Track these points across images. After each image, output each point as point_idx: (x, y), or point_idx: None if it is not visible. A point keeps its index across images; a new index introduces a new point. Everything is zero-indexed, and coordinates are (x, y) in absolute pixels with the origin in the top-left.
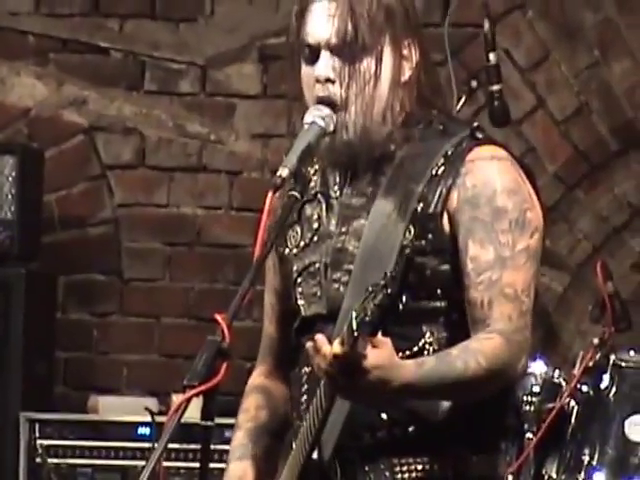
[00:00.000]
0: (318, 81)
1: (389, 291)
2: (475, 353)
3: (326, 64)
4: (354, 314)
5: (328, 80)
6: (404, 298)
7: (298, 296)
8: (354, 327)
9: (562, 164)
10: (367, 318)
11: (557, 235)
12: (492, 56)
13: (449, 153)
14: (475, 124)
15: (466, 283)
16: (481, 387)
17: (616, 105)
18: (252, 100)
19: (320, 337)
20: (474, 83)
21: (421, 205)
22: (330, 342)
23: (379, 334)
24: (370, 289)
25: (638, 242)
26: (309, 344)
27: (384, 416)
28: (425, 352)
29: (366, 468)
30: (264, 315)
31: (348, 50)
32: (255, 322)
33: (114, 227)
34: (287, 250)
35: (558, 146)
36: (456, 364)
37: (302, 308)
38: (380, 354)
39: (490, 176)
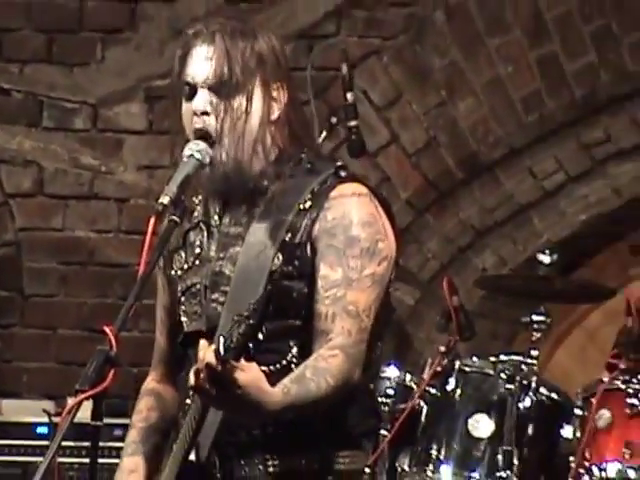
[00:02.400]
0: (195, 114)
1: (251, 322)
2: (324, 374)
3: (203, 99)
4: (221, 340)
5: (204, 113)
6: (264, 326)
7: (181, 313)
8: (221, 352)
9: (413, 192)
10: (232, 345)
11: (409, 254)
12: (349, 96)
13: (315, 190)
14: (339, 163)
15: (315, 298)
16: (328, 401)
17: (461, 139)
18: (139, 135)
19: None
20: (334, 120)
21: (289, 235)
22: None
23: (242, 359)
24: (235, 319)
25: (481, 260)
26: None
27: None
28: (292, 365)
29: (242, 462)
30: (156, 328)
31: (223, 88)
32: (141, 333)
33: (16, 249)
34: (173, 272)
35: (410, 176)
36: (311, 387)
37: (185, 324)
38: (247, 376)
39: (349, 210)
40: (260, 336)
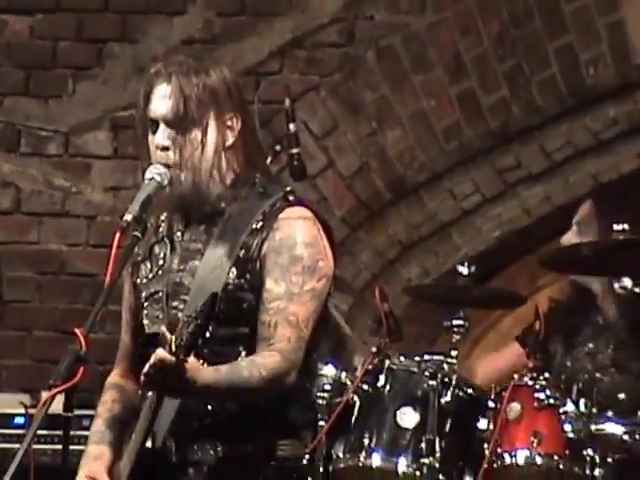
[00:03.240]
0: (157, 148)
1: (199, 322)
2: (259, 366)
3: (163, 135)
4: (173, 338)
5: (165, 148)
6: (211, 327)
7: (144, 317)
8: (173, 349)
9: (347, 210)
10: (182, 343)
11: (343, 265)
12: (292, 126)
13: (266, 211)
14: (288, 188)
15: (260, 308)
16: (260, 392)
17: (390, 164)
18: (105, 160)
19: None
20: (278, 147)
21: (243, 252)
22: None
23: (192, 355)
24: (185, 319)
25: (407, 271)
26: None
27: (209, 407)
28: None
29: (195, 447)
30: (121, 328)
31: (180, 124)
32: (107, 335)
33: None
34: (138, 280)
35: (344, 196)
36: (243, 373)
37: (146, 327)
38: (189, 365)
39: (294, 232)
40: (207, 334)
